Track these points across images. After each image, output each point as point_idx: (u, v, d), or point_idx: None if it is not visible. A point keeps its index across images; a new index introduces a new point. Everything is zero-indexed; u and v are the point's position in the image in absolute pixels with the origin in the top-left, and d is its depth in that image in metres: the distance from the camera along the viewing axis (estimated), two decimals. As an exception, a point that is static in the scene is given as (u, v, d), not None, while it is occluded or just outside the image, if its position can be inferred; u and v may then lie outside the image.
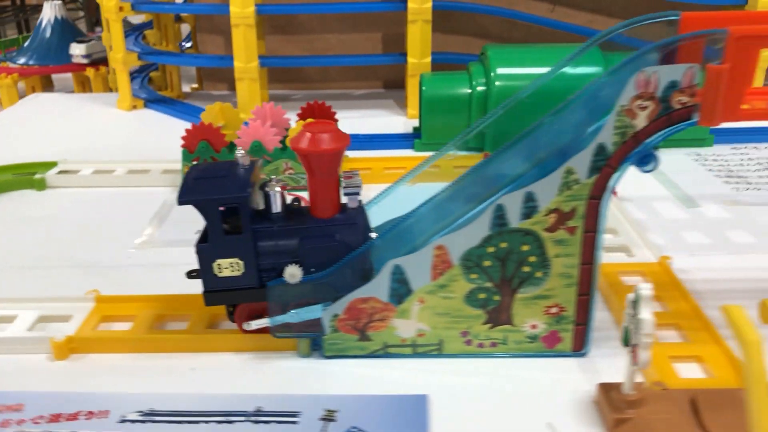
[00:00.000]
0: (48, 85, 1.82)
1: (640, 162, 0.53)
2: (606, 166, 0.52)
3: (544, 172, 0.53)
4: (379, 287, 0.56)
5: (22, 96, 1.66)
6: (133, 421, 0.51)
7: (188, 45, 1.70)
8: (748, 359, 0.40)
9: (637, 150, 0.51)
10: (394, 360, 0.58)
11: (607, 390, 0.51)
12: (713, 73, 0.49)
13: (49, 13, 1.72)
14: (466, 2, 1.34)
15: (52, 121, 1.32)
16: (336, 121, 1.02)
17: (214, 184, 0.55)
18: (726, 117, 0.50)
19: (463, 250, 0.54)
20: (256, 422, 0.51)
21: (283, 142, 0.91)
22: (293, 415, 0.52)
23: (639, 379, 0.52)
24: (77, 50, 1.61)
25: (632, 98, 0.50)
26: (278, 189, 0.56)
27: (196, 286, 0.57)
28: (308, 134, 0.55)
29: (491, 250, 0.54)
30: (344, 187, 0.57)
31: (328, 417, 0.51)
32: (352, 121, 1.29)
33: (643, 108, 0.50)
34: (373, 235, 0.57)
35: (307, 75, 1.48)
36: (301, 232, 0.56)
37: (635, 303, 0.47)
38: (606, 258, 0.73)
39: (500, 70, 1.02)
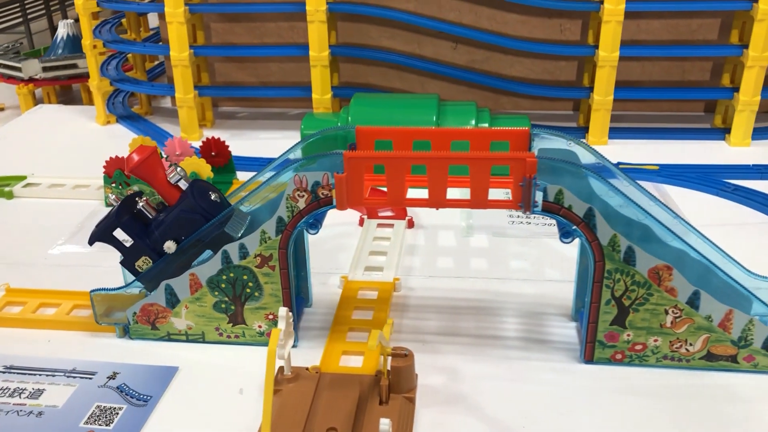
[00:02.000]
0: (68, 91, 2.18)
1: (309, 227, 0.82)
2: (285, 230, 0.81)
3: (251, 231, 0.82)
4: (159, 297, 0.87)
5: (39, 101, 2.03)
6: (-2, 372, 0.85)
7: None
8: (267, 366, 0.69)
9: (303, 221, 0.81)
10: (174, 343, 0.89)
11: (279, 371, 0.81)
12: (337, 179, 0.77)
13: (62, 31, 2.07)
14: (367, 47, 1.62)
15: (42, 134, 1.67)
16: (229, 153, 1.32)
17: (102, 223, 0.85)
18: (352, 205, 0.79)
19: (207, 276, 0.85)
20: (68, 377, 0.84)
21: (176, 172, 1.23)
22: (92, 374, 0.84)
23: (304, 364, 0.82)
24: None
25: (294, 190, 0.79)
26: (141, 203, 0.85)
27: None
28: (127, 159, 0.83)
29: (224, 277, 0.85)
30: (169, 179, 0.84)
31: (112, 377, 0.84)
32: (273, 141, 1.60)
33: (301, 196, 0.79)
34: (213, 196, 0.83)
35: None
36: (164, 220, 0.84)
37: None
38: (364, 276, 1.02)
39: (353, 117, 1.30)
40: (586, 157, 0.82)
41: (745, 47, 1.42)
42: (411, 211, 1.20)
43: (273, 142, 1.58)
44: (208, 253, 0.84)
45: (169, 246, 0.84)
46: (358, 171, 0.77)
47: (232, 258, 0.84)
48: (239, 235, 0.83)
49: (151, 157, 0.84)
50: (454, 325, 0.92)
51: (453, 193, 0.78)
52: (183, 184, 0.85)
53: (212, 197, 0.85)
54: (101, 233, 0.85)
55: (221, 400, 0.80)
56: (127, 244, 0.85)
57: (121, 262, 0.87)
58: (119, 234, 0.85)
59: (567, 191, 0.75)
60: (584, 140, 1.53)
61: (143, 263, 0.86)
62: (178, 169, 0.84)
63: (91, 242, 0.86)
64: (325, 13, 1.45)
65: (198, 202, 0.83)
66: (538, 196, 0.76)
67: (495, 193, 0.78)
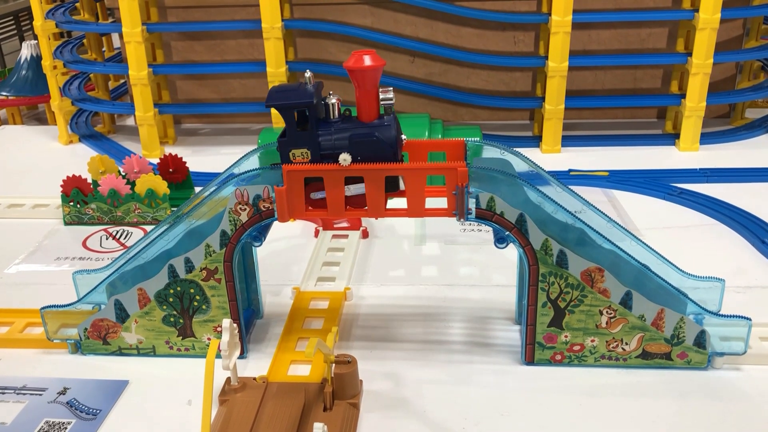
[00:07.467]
0: (34, 111, 2.18)
1: (253, 239, 0.84)
2: (229, 243, 0.83)
3: (196, 245, 0.84)
4: (109, 313, 0.88)
5: (4, 122, 2.04)
6: (-51, 391, 0.86)
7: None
8: (205, 375, 0.71)
9: (247, 233, 0.83)
10: (125, 357, 0.91)
11: (226, 381, 0.83)
12: (277, 192, 0.79)
13: (26, 52, 2.08)
14: (325, 63, 1.64)
15: (4, 154, 1.68)
16: (187, 169, 1.34)
17: (288, 93, 0.77)
18: (294, 216, 0.81)
19: (155, 291, 0.87)
20: (18, 394, 0.85)
21: (132, 189, 1.24)
22: (42, 390, 0.85)
23: (252, 374, 0.84)
24: None
25: (235, 204, 0.81)
26: (334, 101, 0.80)
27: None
28: (356, 56, 0.77)
29: (172, 291, 0.86)
30: (381, 100, 0.78)
31: (62, 392, 0.85)
32: (234, 157, 1.60)
33: (243, 210, 0.81)
34: (403, 137, 0.80)
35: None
36: (350, 130, 0.79)
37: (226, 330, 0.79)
38: (317, 286, 1.04)
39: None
40: (519, 165, 0.85)
41: (689, 55, 1.46)
42: (365, 222, 1.22)
43: (234, 157, 1.58)
44: None
45: (345, 158, 0.77)
46: (297, 183, 0.79)
47: (179, 272, 0.85)
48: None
49: (379, 69, 0.77)
50: (401, 331, 0.94)
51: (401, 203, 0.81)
52: (388, 110, 0.79)
53: (402, 138, 0.80)
54: (287, 104, 0.77)
55: (170, 411, 0.81)
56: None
57: (278, 139, 0.79)
58: None
59: (498, 198, 0.77)
60: (538, 148, 1.57)
61: (301, 155, 0.79)
62: (391, 93, 0.78)
63: (268, 104, 0.78)
64: (281, 29, 1.48)
65: (396, 136, 0.78)
66: (472, 204, 0.78)
67: (439, 203, 0.80)
